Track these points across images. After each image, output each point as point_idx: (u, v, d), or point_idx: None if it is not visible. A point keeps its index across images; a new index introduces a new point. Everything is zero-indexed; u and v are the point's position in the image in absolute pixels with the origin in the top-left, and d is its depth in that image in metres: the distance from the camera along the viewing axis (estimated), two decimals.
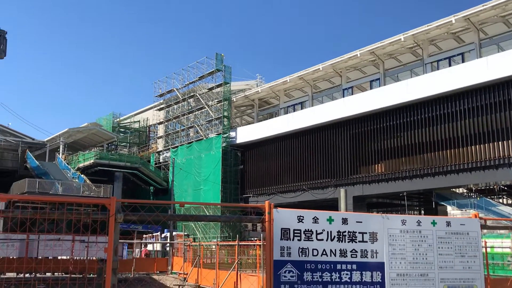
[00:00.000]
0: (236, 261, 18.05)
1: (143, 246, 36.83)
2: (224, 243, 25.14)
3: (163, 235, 40.33)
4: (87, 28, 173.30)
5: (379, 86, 40.49)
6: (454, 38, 37.78)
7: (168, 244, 34.76)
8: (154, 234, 41.41)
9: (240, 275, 17.85)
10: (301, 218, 5.66)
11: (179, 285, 22.34)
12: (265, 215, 5.66)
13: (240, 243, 18.98)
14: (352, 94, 42.97)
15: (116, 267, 5.68)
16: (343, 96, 43.54)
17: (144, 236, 41.63)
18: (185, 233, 42.94)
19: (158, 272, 30.05)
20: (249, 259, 23.40)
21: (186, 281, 22.56)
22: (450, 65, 36.97)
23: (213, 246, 23.51)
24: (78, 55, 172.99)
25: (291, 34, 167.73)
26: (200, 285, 20.97)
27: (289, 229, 5.59)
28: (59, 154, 55.55)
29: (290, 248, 5.56)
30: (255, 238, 34.72)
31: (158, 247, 37.68)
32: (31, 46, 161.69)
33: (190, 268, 22.97)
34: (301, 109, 47.73)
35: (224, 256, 23.25)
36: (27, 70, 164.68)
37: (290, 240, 5.57)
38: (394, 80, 41.05)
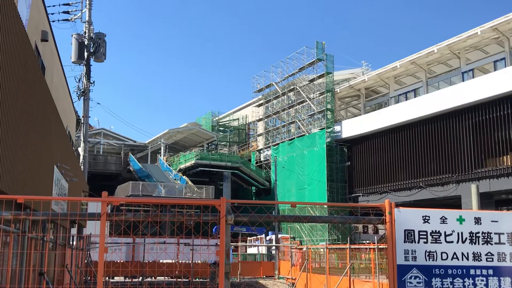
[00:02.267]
0: (349, 266, 17.92)
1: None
2: (334, 246, 25.01)
3: (267, 238, 41.01)
4: (184, 25, 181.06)
5: (505, 67, 38.05)
6: None
7: (274, 247, 35.31)
8: (259, 236, 42.22)
9: (353, 280, 17.70)
10: (427, 218, 5.50)
11: None
12: (385, 216, 5.55)
13: (351, 246, 18.80)
14: (473, 77, 40.79)
15: (229, 271, 5.86)
16: (463, 80, 41.47)
17: (248, 238, 42.59)
18: (291, 236, 43.31)
19: (264, 276, 30.66)
20: (361, 264, 23.10)
21: (295, 286, 22.78)
22: None
23: (322, 250, 23.50)
24: (176, 53, 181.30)
25: (398, 14, 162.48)
26: None
27: (413, 230, 5.46)
28: (160, 155, 58.63)
29: (415, 251, 5.42)
30: (368, 241, 34.13)
31: (263, 250, 38.41)
32: (129, 46, 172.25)
33: (298, 273, 23.17)
34: (415, 97, 46.13)
35: (333, 260, 23.15)
36: (126, 71, 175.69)
37: (415, 242, 5.43)
38: None
